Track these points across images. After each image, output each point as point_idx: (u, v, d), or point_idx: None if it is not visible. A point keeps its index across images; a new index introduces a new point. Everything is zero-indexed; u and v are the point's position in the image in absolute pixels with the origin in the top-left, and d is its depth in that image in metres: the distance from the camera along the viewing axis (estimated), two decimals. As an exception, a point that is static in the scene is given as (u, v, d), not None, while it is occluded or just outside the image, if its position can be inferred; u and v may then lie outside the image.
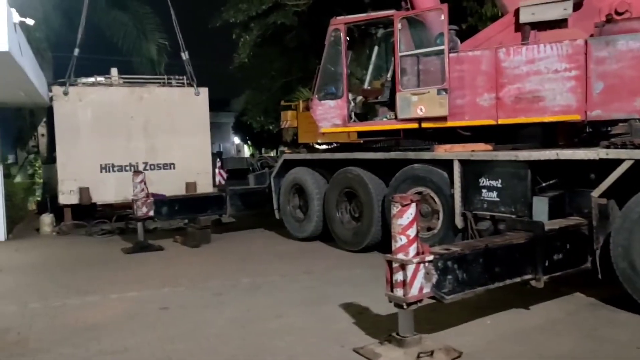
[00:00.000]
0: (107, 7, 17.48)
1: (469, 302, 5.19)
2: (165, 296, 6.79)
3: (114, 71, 13.85)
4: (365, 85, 10.29)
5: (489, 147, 7.76)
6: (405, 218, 4.31)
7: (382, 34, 9.88)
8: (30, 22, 7.37)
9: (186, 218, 11.45)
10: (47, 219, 12.58)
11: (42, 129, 15.36)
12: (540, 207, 6.39)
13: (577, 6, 7.47)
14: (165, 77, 14.50)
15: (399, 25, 8.52)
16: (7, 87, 10.10)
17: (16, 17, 6.93)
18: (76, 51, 13.26)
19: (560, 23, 7.58)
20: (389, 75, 9.35)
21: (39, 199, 15.67)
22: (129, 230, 11.97)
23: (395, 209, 4.36)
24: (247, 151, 49.90)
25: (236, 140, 51.93)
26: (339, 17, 9.65)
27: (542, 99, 7.13)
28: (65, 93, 12.70)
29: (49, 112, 13.39)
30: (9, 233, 11.92)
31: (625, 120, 6.37)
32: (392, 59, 8.87)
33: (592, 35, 6.92)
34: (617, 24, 6.71)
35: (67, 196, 12.62)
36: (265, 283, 7.31)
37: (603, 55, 6.55)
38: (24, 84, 9.59)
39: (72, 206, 12.81)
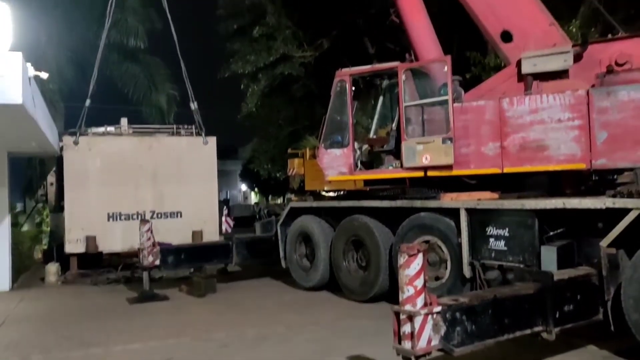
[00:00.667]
0: (120, 59, 17.99)
1: (479, 355, 5.08)
2: (170, 348, 6.69)
3: (124, 121, 14.11)
4: (371, 134, 10.40)
5: (495, 195, 7.74)
6: (412, 268, 4.28)
7: (387, 85, 10.05)
8: (44, 75, 7.58)
9: (192, 267, 11.38)
10: (52, 268, 12.55)
11: (51, 178, 15.54)
12: (548, 257, 6.31)
13: (577, 57, 7.63)
14: (174, 126, 14.75)
15: (403, 76, 8.68)
16: (20, 138, 10.30)
17: (31, 71, 7.13)
18: (87, 102, 13.57)
19: (562, 74, 7.72)
20: (394, 124, 9.46)
21: (45, 247, 15.68)
22: (135, 279, 11.90)
23: (402, 259, 4.33)
24: (254, 198, 50.05)
25: (243, 187, 52.21)
26: (344, 69, 9.85)
27: (547, 147, 7.18)
28: (76, 143, 12.91)
29: (59, 161, 13.58)
30: (14, 282, 11.88)
31: (630, 169, 6.38)
32: (397, 108, 9.01)
33: (593, 86, 7.03)
34: (618, 75, 6.83)
35: (74, 245, 12.63)
36: (271, 334, 7.20)
37: (605, 105, 6.64)
38: (36, 135, 9.78)
39: (78, 255, 12.81)
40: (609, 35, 8.04)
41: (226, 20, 23.32)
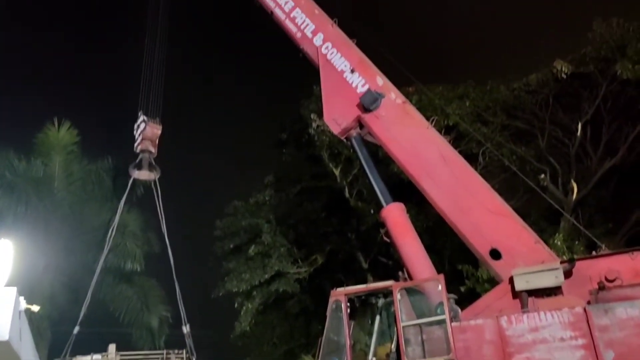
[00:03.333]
0: (115, 282, 18.02)
1: None
2: None
3: (112, 348, 13.53)
4: (370, 356, 9.96)
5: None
6: None
7: (383, 303, 9.95)
8: (35, 308, 7.50)
9: None
10: None
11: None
12: None
13: (567, 274, 7.75)
14: (165, 351, 14.14)
15: (399, 295, 8.67)
16: (-1, 371, 9.75)
17: (23, 304, 7.07)
18: (76, 329, 13.24)
19: (556, 290, 7.76)
20: (393, 345, 9.14)
21: None
22: None
23: None
24: None
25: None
26: (339, 289, 9.85)
27: (555, 368, 6.86)
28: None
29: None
30: None
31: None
32: (395, 327, 8.80)
33: (589, 303, 7.01)
34: (611, 292, 6.88)
35: None
36: None
37: (605, 323, 6.56)
38: (17, 367, 9.28)
39: None
40: (594, 252, 8.30)
41: (223, 240, 24.08)
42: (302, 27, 11.71)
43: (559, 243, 13.20)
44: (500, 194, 9.41)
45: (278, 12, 12.12)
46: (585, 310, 6.78)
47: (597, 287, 7.16)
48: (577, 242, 13.79)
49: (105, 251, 14.36)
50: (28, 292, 7.31)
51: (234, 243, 23.44)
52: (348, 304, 9.59)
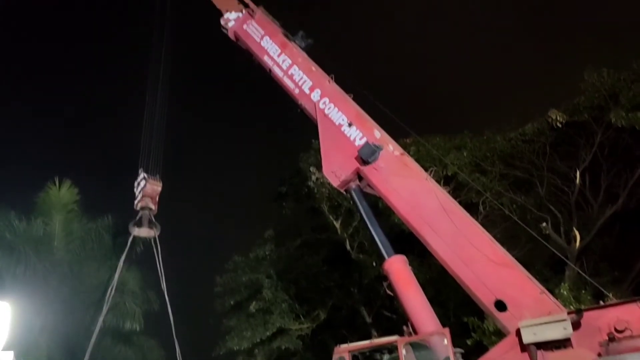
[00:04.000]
0: (113, 343, 17.61)
1: None
2: None
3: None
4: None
5: None
6: None
7: (388, 359, 9.72)
8: (31, 373, 7.30)
9: None
10: None
11: None
12: None
13: (576, 325, 7.57)
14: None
15: (404, 351, 8.48)
16: None
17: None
18: (74, 393, 12.80)
19: (565, 342, 7.57)
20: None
21: None
22: None
23: None
24: None
25: None
26: (342, 345, 9.63)
27: None
28: None
29: None
30: None
31: None
32: (402, 387, 8.53)
33: (599, 355, 6.83)
34: (621, 343, 6.70)
35: None
36: None
37: (618, 377, 6.35)
38: None
39: None
40: (601, 302, 8.14)
41: (223, 296, 23.73)
42: (299, 83, 11.96)
43: (565, 293, 12.96)
44: (502, 243, 9.32)
45: (276, 70, 12.41)
46: (596, 364, 6.59)
47: (607, 338, 6.99)
48: (583, 292, 13.56)
49: (104, 311, 14.05)
50: (25, 354, 7.13)
51: (234, 299, 23.11)
52: (352, 362, 9.37)
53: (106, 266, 17.05)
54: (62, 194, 17.61)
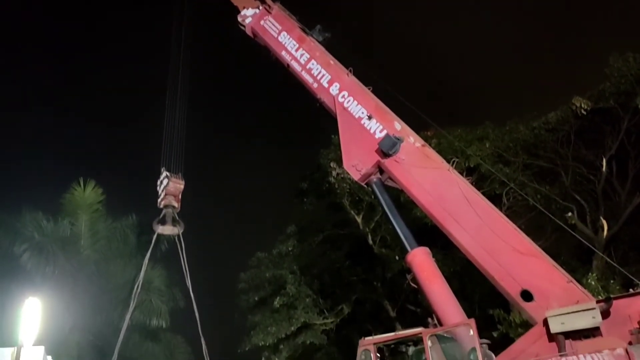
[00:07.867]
0: (141, 340, 17.87)
1: None
2: None
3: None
4: (403, 408, 9.59)
5: None
6: None
7: (414, 351, 9.63)
8: (62, 368, 7.45)
9: None
10: None
11: None
12: None
13: (605, 314, 7.44)
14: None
15: (429, 342, 8.40)
16: None
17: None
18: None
19: (594, 331, 7.44)
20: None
21: None
22: None
23: None
24: None
25: None
26: (367, 338, 9.59)
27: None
28: None
29: None
30: None
31: None
32: (427, 377, 8.47)
33: (630, 343, 6.70)
34: (653, 331, 6.56)
35: None
36: None
37: (649, 363, 6.22)
38: None
39: None
40: (631, 290, 7.99)
41: (247, 292, 23.89)
42: (318, 78, 11.94)
43: (593, 283, 12.72)
44: (527, 234, 9.19)
45: (294, 65, 12.40)
46: (627, 351, 6.46)
47: (637, 326, 6.85)
48: (612, 281, 13.29)
49: (131, 308, 14.24)
50: (55, 351, 7.28)
51: (258, 295, 23.24)
52: (377, 354, 9.32)
53: (132, 264, 17.30)
54: (87, 194, 17.90)
